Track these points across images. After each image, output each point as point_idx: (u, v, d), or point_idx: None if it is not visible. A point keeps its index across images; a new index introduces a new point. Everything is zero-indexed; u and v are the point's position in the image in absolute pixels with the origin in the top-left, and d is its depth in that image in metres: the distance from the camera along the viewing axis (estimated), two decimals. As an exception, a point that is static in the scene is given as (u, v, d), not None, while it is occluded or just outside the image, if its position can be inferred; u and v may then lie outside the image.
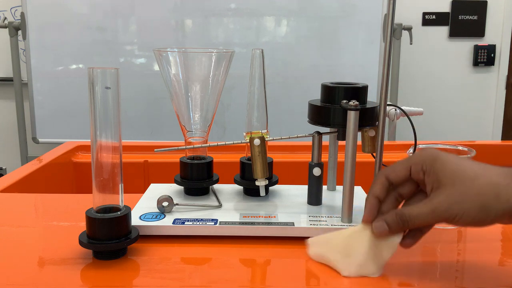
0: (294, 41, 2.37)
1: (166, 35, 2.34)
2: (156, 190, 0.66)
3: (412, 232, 0.47)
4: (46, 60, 2.35)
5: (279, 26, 2.36)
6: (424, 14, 2.74)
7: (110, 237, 0.48)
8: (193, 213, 0.58)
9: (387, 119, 0.55)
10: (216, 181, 0.65)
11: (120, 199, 0.50)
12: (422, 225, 0.45)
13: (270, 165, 0.62)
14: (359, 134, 0.55)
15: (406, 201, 0.48)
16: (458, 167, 0.43)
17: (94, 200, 0.49)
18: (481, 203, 0.41)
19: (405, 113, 0.53)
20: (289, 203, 0.62)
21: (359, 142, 0.56)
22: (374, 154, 0.55)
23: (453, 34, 2.76)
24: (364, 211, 0.48)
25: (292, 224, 0.55)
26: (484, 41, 2.78)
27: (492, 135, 2.90)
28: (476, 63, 2.79)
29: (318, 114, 0.56)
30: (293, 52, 2.36)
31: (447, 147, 0.63)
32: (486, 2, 2.73)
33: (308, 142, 0.62)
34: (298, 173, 0.73)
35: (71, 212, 0.65)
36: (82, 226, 0.50)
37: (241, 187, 0.66)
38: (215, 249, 0.52)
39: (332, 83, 0.57)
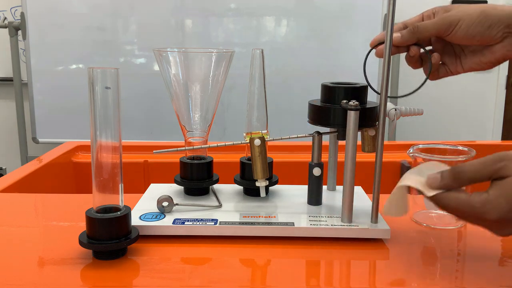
0: (294, 41, 2.36)
1: (166, 35, 2.34)
2: (156, 190, 0.66)
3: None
4: (46, 60, 2.35)
5: (279, 26, 2.36)
6: (424, 14, 2.73)
7: (110, 237, 0.48)
8: (193, 213, 0.58)
9: (387, 119, 0.55)
10: (216, 181, 0.65)
11: (120, 199, 0.50)
12: (430, 31, 0.54)
13: (270, 165, 0.62)
14: (359, 134, 0.55)
15: None
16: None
17: (94, 200, 0.49)
18: (481, 9, 0.52)
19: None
20: (289, 203, 0.62)
21: (359, 142, 0.56)
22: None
23: (453, 34, 2.76)
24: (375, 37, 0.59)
25: (292, 224, 0.55)
26: (484, 41, 2.77)
27: (492, 135, 2.90)
28: (476, 63, 2.78)
29: (318, 114, 0.56)
30: (293, 52, 2.36)
31: (447, 147, 0.63)
32: (486, 2, 2.73)
33: (308, 142, 0.62)
34: (298, 173, 0.74)
35: (71, 212, 0.65)
36: (82, 226, 0.50)
37: (241, 187, 0.66)
38: (215, 249, 0.52)
39: (332, 83, 0.57)
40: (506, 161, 0.42)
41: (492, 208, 0.41)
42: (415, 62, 0.58)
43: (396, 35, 0.55)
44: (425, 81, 0.57)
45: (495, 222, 0.42)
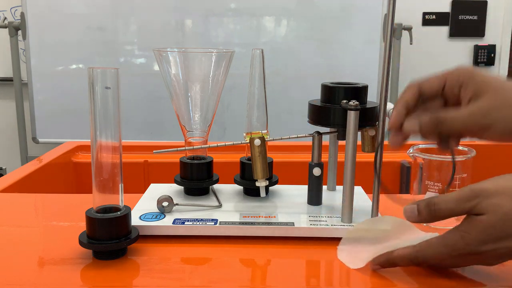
0: (294, 41, 2.36)
1: (166, 35, 2.34)
2: (156, 190, 0.66)
3: (444, 140, 0.46)
4: (46, 60, 2.35)
5: (279, 26, 2.36)
6: (424, 14, 2.74)
7: (110, 237, 0.48)
8: (193, 213, 0.57)
9: (387, 119, 0.55)
10: (216, 181, 0.65)
11: (120, 199, 0.50)
12: (456, 130, 0.44)
13: (270, 165, 0.62)
14: (359, 134, 0.55)
15: None
16: (497, 78, 0.44)
17: (94, 200, 0.49)
18: None
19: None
20: (289, 203, 0.62)
21: (359, 142, 0.56)
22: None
23: (453, 34, 2.76)
24: (391, 117, 0.46)
25: (292, 224, 0.55)
26: (484, 41, 2.78)
27: (492, 135, 2.89)
28: (476, 63, 2.79)
29: (318, 114, 0.56)
30: (293, 52, 2.36)
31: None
32: (486, 2, 2.73)
33: (308, 142, 0.62)
34: (298, 173, 0.73)
35: (71, 212, 0.65)
36: (82, 226, 0.50)
37: (241, 187, 0.66)
38: (215, 249, 0.52)
39: (332, 83, 0.57)
40: (480, 198, 0.41)
41: (464, 245, 0.41)
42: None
43: (413, 122, 0.45)
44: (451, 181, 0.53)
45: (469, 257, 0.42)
